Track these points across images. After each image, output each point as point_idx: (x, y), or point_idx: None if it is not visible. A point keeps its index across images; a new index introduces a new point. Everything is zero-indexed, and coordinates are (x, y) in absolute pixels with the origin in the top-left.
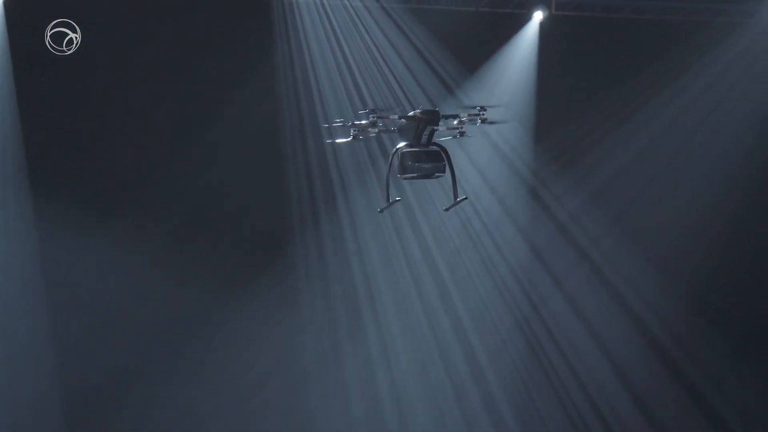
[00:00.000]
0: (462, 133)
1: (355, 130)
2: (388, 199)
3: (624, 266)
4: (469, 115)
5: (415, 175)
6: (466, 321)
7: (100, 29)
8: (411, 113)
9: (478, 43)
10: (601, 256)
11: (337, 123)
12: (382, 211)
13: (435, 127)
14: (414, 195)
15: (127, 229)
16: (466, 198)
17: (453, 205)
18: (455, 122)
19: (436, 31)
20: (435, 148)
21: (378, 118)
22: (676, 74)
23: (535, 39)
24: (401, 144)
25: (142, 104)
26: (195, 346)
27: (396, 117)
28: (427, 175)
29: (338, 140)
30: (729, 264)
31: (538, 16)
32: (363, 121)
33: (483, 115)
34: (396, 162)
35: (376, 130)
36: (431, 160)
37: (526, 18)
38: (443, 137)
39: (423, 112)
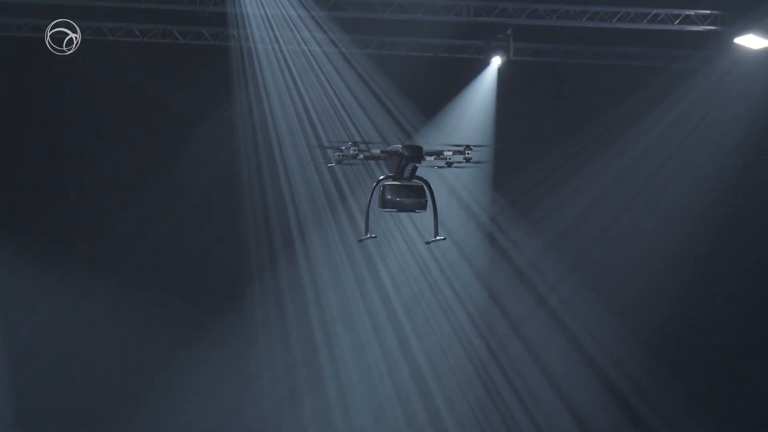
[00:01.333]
0: (449, 164)
1: (339, 155)
2: (367, 231)
3: (582, 312)
4: (454, 153)
5: (396, 210)
6: (424, 366)
7: (53, 77)
8: (393, 148)
9: (436, 88)
10: (559, 302)
11: (326, 147)
12: (360, 240)
13: (417, 164)
14: (372, 241)
15: (82, 276)
16: (444, 239)
17: (433, 241)
18: (444, 163)
19: (394, 77)
20: (418, 182)
21: (360, 151)
22: (633, 120)
23: (493, 84)
24: (383, 176)
25: (97, 150)
26: (152, 393)
27: (378, 152)
28: (408, 211)
29: (329, 164)
30: (688, 310)
31: (496, 61)
32: (347, 149)
33: (468, 154)
34: (377, 194)
35: (361, 156)
36: (412, 196)
37: (485, 63)
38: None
39: (405, 149)
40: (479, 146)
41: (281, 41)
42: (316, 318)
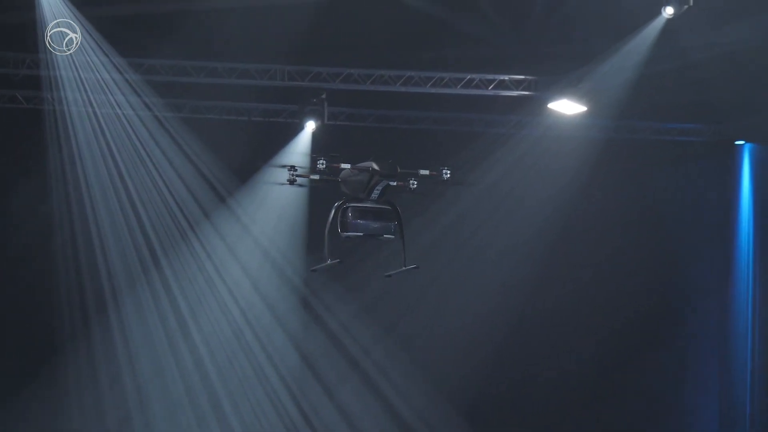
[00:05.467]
0: (413, 189)
1: (293, 174)
2: (328, 258)
3: (396, 377)
4: (431, 173)
5: (360, 234)
6: (237, 430)
7: None
8: (363, 165)
9: (250, 152)
10: (373, 366)
11: (280, 167)
12: (314, 270)
13: (391, 183)
14: (184, 300)
15: None
16: (416, 267)
17: (399, 272)
18: (411, 180)
19: (208, 141)
20: (385, 205)
21: (327, 166)
22: (448, 185)
23: (307, 148)
24: (342, 199)
25: None
26: None
27: (348, 167)
28: (374, 235)
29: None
30: (503, 376)
31: (310, 125)
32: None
33: (446, 175)
34: (338, 217)
35: (317, 176)
36: (381, 219)
37: (299, 127)
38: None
39: (380, 165)
40: (454, 168)
41: (95, 105)
42: (130, 383)
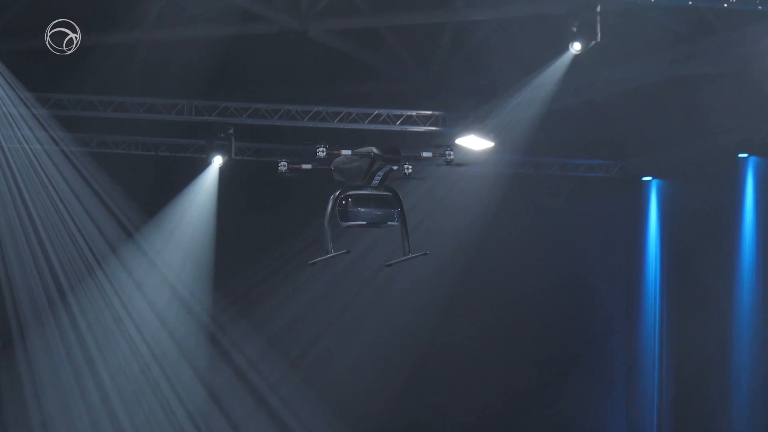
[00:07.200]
0: (408, 174)
1: (283, 165)
2: (331, 251)
3: (303, 413)
4: (434, 154)
5: (364, 222)
6: None
7: None
8: (364, 150)
9: (158, 186)
10: (280, 402)
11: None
12: (313, 264)
13: (394, 167)
14: (91, 335)
15: None
16: (426, 253)
17: (404, 260)
18: (406, 165)
19: (115, 175)
20: (386, 192)
21: (328, 153)
22: None
23: (214, 183)
24: (339, 190)
25: None
26: None
27: (349, 152)
28: (376, 223)
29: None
30: (406, 408)
31: (217, 160)
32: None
33: (450, 155)
34: (337, 206)
35: (310, 165)
36: (383, 206)
37: (206, 162)
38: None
39: (381, 149)
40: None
41: (1, 139)
42: (36, 418)
